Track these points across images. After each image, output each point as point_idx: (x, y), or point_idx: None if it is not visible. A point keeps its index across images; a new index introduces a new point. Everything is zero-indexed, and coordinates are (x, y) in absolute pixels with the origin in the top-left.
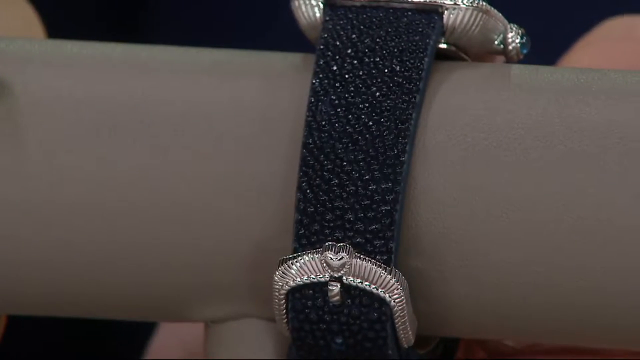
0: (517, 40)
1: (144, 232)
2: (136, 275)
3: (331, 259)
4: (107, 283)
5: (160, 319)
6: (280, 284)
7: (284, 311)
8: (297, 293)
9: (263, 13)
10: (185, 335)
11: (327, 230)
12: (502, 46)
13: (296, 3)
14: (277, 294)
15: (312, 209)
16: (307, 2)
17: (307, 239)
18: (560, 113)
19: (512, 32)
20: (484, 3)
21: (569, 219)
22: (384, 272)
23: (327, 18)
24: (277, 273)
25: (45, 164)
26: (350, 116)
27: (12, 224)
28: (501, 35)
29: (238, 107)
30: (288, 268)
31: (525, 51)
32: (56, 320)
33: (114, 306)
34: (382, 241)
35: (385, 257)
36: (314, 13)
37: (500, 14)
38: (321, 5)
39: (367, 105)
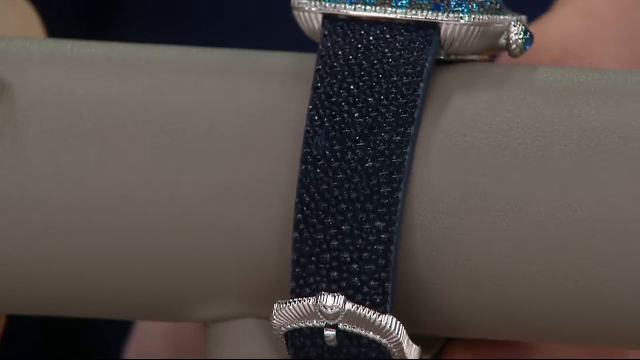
0: (521, 37)
1: (144, 232)
2: (136, 275)
3: (325, 308)
4: (106, 283)
5: (161, 319)
6: (278, 326)
7: (285, 346)
8: (296, 332)
9: (261, 12)
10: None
11: (323, 271)
12: (505, 42)
13: (296, 13)
14: (276, 333)
15: (309, 249)
16: (307, 13)
17: (304, 279)
18: (560, 113)
19: (515, 28)
20: (482, 17)
21: (569, 218)
22: (378, 319)
23: (326, 33)
24: (273, 316)
25: (45, 163)
26: (346, 150)
27: (12, 223)
28: (505, 33)
29: (238, 107)
30: (284, 313)
31: (528, 47)
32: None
33: (113, 306)
34: (378, 282)
35: (381, 298)
36: (314, 24)
37: (501, 17)
38: (320, 18)
39: (362, 138)
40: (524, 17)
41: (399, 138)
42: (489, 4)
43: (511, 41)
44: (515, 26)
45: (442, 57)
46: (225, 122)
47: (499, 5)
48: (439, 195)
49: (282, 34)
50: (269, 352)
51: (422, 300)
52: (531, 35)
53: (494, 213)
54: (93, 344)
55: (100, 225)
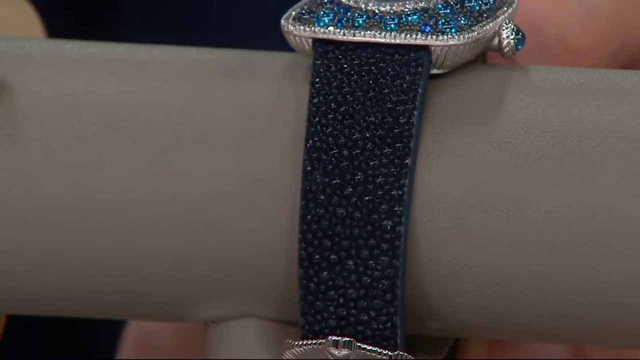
0: (512, 37)
1: (144, 232)
2: (136, 275)
3: (334, 352)
4: (106, 283)
5: (160, 319)
6: None
7: None
8: None
9: (261, 12)
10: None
11: (331, 308)
12: (497, 43)
13: (286, 36)
14: None
15: (314, 286)
16: (297, 35)
17: (312, 315)
18: (560, 113)
19: (505, 31)
20: (470, 35)
21: (569, 219)
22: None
23: (317, 58)
24: (284, 354)
25: (45, 163)
26: (345, 184)
27: (11, 223)
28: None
29: (238, 107)
30: (295, 353)
31: (520, 47)
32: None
33: (113, 306)
34: (386, 317)
35: (390, 331)
36: (304, 45)
37: (490, 25)
38: (311, 41)
39: (360, 171)
40: (514, 6)
41: (396, 170)
42: (477, 7)
43: (503, 44)
44: (505, 28)
45: (435, 72)
46: (225, 122)
47: (488, 4)
48: (439, 195)
49: (282, 33)
50: (269, 353)
51: (422, 300)
52: (523, 35)
53: (494, 213)
54: (93, 344)
55: (100, 225)
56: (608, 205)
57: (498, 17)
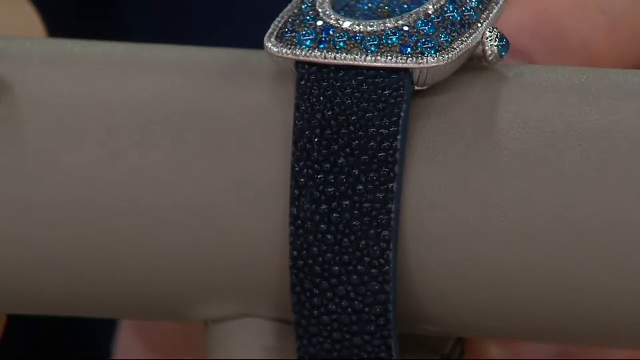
0: (496, 44)
1: (144, 232)
2: (136, 275)
3: None
4: (106, 283)
5: (160, 319)
6: None
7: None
8: None
9: (262, 11)
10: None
11: (324, 332)
12: (481, 51)
13: (268, 55)
14: None
15: (307, 312)
16: (279, 56)
17: (307, 339)
18: (560, 113)
19: (488, 40)
20: (450, 55)
21: (568, 219)
22: None
23: (300, 79)
24: None
25: (45, 164)
26: (331, 211)
27: (12, 224)
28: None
29: (238, 107)
30: None
31: (504, 54)
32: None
33: (113, 306)
34: (380, 340)
35: (385, 353)
36: (286, 65)
37: (471, 38)
38: (292, 60)
39: (346, 197)
40: (500, 5)
41: (382, 195)
42: (458, 17)
43: (487, 53)
44: (489, 37)
45: (418, 89)
46: (226, 122)
47: (470, 11)
48: (438, 195)
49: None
50: (269, 352)
51: (421, 301)
52: (507, 41)
53: (494, 213)
54: (93, 344)
55: (99, 225)
56: (608, 205)
57: (481, 23)
